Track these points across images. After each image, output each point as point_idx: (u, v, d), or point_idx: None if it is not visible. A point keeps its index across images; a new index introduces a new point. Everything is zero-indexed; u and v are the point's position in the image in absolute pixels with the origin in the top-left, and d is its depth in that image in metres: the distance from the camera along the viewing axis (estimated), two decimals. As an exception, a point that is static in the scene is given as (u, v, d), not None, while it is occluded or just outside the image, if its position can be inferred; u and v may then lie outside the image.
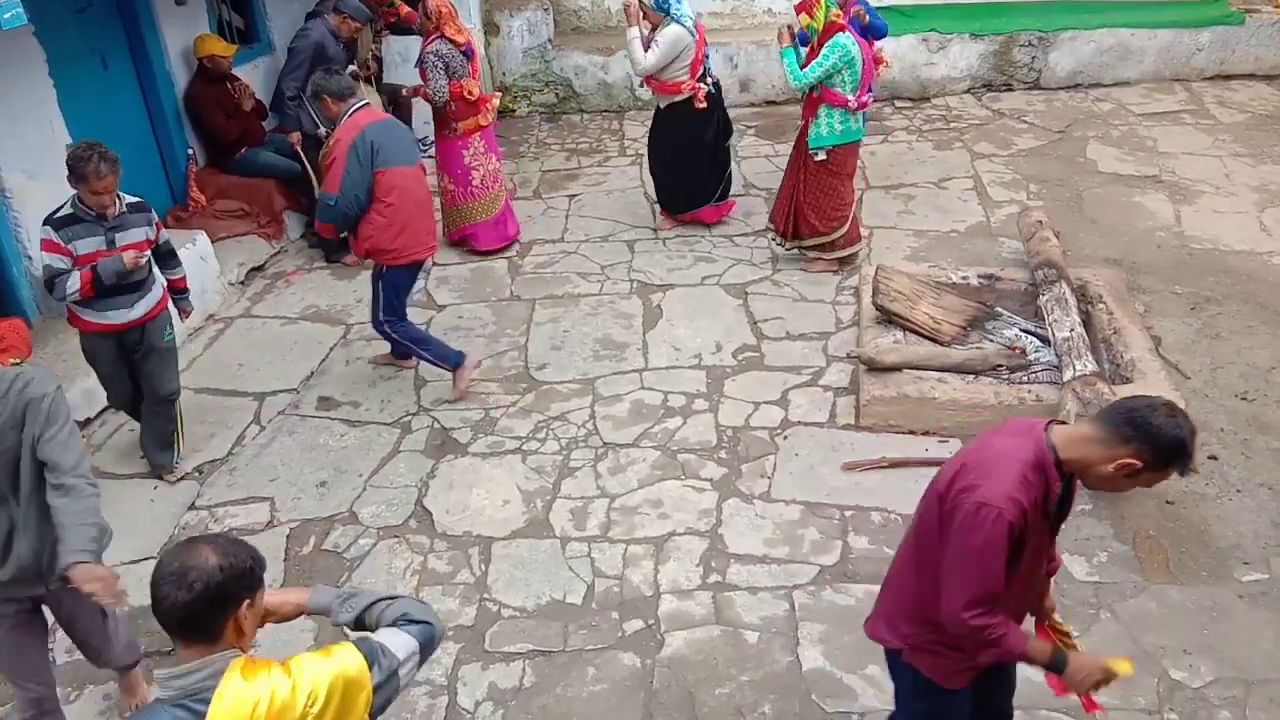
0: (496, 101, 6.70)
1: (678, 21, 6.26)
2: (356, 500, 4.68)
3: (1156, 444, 2.29)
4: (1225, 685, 3.57)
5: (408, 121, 8.15)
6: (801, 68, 5.85)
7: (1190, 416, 2.39)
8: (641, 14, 6.34)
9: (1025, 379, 5.02)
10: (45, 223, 4.26)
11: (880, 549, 4.22)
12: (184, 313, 4.86)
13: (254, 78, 7.29)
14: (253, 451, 5.04)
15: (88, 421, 5.23)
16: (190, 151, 6.72)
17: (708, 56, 6.54)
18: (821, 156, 6.01)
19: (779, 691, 3.62)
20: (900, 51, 9.12)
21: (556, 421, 5.17)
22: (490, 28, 9.25)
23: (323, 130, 6.46)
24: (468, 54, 6.32)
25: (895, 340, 5.28)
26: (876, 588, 3.96)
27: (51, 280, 4.26)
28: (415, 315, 6.16)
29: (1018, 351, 5.17)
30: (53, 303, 5.67)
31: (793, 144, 6.34)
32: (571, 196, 7.70)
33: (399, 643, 2.11)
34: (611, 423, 5.12)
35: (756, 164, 7.94)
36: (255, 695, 1.91)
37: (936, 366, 5.06)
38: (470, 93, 6.31)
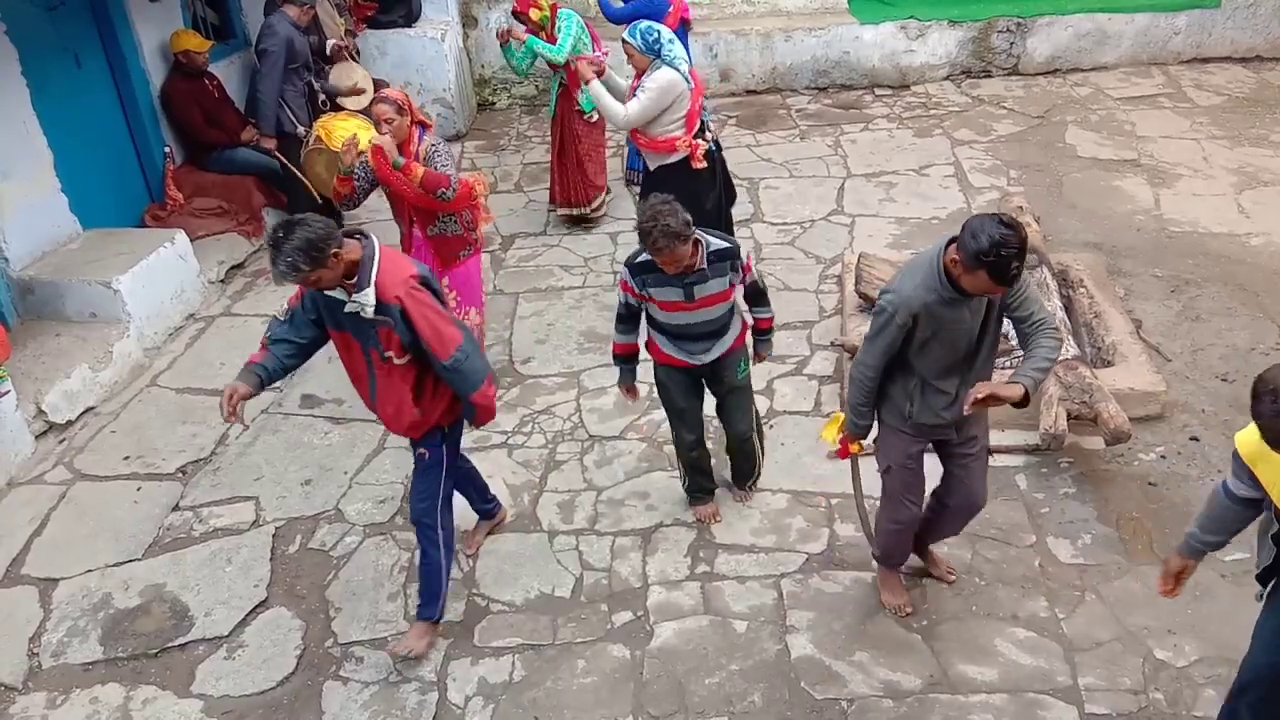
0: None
1: (670, 65, 5.08)
2: (342, 498, 4.66)
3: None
4: (1209, 664, 3.60)
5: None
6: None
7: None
8: (626, 59, 5.24)
9: (1008, 364, 5.04)
10: (625, 264, 3.94)
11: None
12: (758, 357, 4.32)
13: (230, 74, 7.23)
14: (236, 451, 5.01)
15: (69, 424, 5.19)
16: (167, 150, 6.66)
17: (705, 109, 5.51)
18: (595, 117, 6.56)
19: (768, 680, 3.63)
20: (880, 39, 9.17)
21: (542, 415, 5.16)
22: (468, 20, 9.22)
23: (301, 129, 6.42)
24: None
25: (879, 328, 5.29)
26: (864, 574, 4.03)
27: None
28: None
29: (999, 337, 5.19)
30: (30, 304, 5.64)
31: (560, 124, 6.66)
32: (553, 189, 7.67)
33: None
34: (597, 415, 5.12)
35: (739, 154, 7.92)
36: None
37: (920, 353, 5.07)
38: (486, 190, 5.06)
